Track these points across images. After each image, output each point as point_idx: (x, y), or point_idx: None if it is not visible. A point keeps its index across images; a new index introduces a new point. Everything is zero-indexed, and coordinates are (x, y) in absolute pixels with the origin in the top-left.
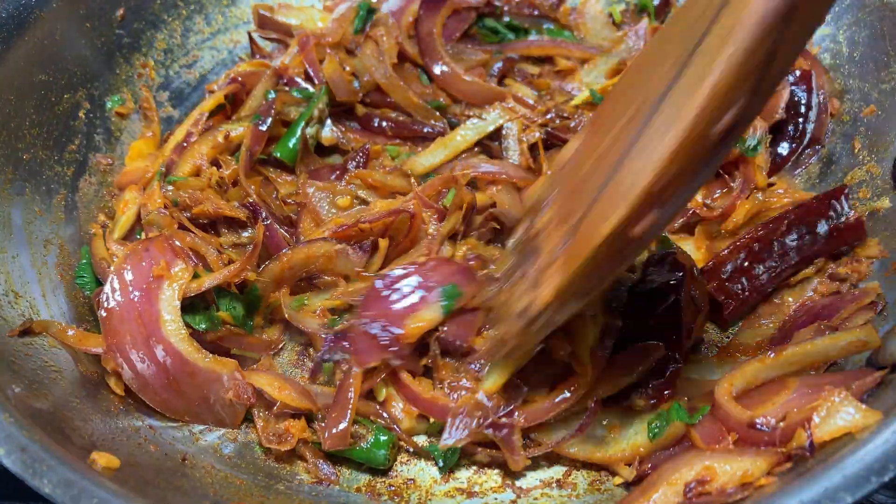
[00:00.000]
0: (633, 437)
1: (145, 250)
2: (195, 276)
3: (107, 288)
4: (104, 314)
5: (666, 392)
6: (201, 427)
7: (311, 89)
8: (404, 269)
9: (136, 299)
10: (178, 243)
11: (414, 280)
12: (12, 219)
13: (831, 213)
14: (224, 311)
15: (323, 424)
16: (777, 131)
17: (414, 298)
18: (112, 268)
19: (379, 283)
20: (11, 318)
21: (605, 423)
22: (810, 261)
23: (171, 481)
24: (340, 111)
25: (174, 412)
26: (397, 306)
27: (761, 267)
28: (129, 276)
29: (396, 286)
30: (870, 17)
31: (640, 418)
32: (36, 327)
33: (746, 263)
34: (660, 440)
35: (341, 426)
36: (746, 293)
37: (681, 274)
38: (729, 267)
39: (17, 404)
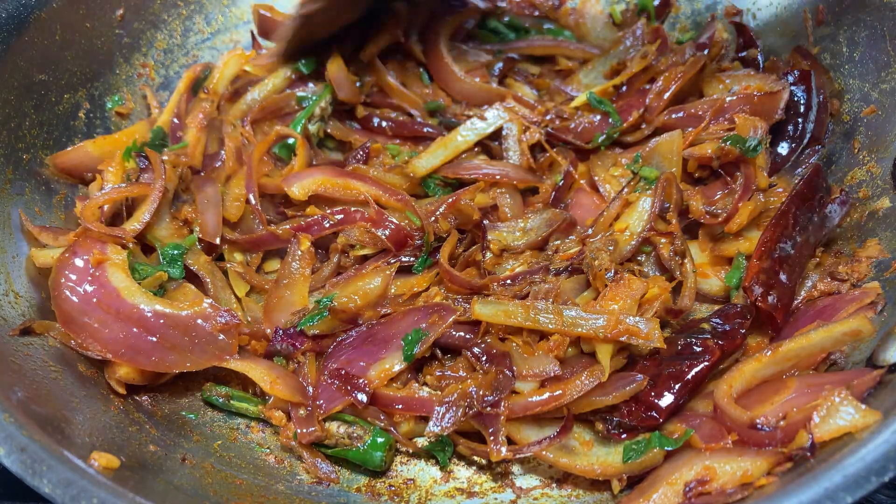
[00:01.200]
0: (605, 457)
1: (73, 252)
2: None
3: (55, 299)
4: (64, 319)
5: (623, 436)
6: (201, 427)
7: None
8: (370, 321)
9: (89, 290)
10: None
11: (380, 330)
12: (12, 219)
13: (819, 192)
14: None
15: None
16: (777, 131)
17: (379, 347)
18: (50, 280)
19: (344, 336)
20: (11, 318)
21: (582, 437)
22: (819, 243)
23: (171, 481)
24: (342, 111)
25: (174, 366)
26: (363, 356)
27: (787, 264)
28: (72, 277)
29: (363, 335)
30: (870, 17)
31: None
32: (36, 327)
33: (780, 272)
34: (634, 464)
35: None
36: (786, 299)
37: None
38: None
39: (18, 404)
